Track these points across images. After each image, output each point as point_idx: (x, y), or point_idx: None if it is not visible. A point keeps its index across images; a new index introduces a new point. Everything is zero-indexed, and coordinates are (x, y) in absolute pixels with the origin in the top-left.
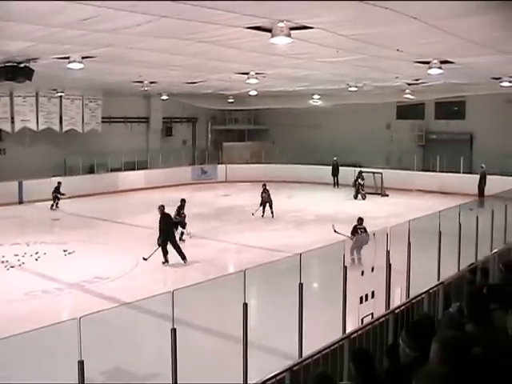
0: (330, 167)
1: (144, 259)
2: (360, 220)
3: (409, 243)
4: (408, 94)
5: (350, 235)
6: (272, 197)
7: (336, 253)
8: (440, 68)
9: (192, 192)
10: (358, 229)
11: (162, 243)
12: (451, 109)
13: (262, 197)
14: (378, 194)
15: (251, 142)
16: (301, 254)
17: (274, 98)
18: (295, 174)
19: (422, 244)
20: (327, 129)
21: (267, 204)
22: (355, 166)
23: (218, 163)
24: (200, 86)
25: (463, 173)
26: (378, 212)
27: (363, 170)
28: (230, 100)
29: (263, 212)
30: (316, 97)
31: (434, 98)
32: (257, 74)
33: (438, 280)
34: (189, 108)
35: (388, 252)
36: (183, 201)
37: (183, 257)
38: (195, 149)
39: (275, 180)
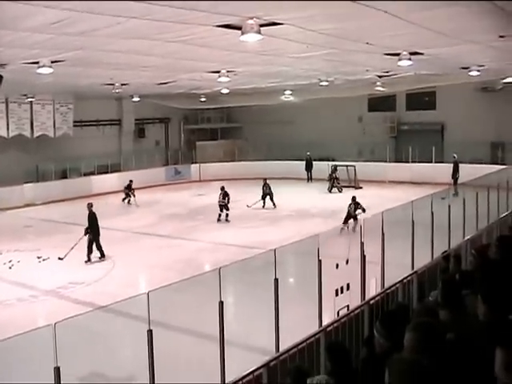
0: (304, 162)
1: (60, 259)
2: (353, 199)
3: (382, 234)
4: (379, 86)
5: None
6: (240, 196)
7: (311, 247)
8: (410, 59)
9: (166, 192)
10: (350, 206)
11: (90, 241)
12: (422, 100)
13: (263, 190)
14: (352, 186)
15: (224, 140)
16: (275, 250)
17: (246, 95)
18: (269, 170)
19: (395, 234)
20: (300, 124)
21: (267, 196)
22: (328, 160)
23: (192, 163)
24: (171, 86)
25: (435, 162)
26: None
27: (336, 163)
28: (202, 99)
29: (264, 204)
30: (288, 92)
31: (404, 90)
32: (228, 71)
33: (412, 269)
34: (161, 109)
35: (362, 244)
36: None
37: (102, 255)
38: (168, 149)
39: (249, 177)
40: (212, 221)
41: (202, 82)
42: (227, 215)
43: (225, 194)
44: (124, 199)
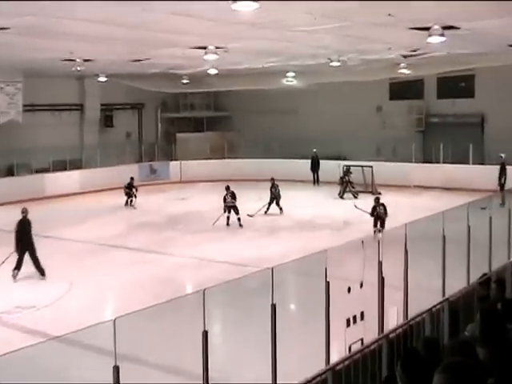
0: (309, 161)
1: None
2: (377, 199)
3: (406, 251)
4: (403, 68)
5: (369, 212)
6: (237, 200)
7: (316, 265)
8: (442, 35)
9: (139, 196)
10: (377, 206)
11: (21, 255)
12: (457, 85)
13: (271, 192)
14: (368, 192)
15: (211, 132)
16: (273, 268)
17: (239, 77)
18: (266, 170)
19: (422, 252)
20: (304, 115)
21: (274, 200)
22: (339, 159)
23: (171, 160)
24: (147, 64)
25: (473, 163)
26: (367, 215)
27: (349, 163)
28: (185, 81)
29: (268, 209)
30: (290, 75)
31: (435, 73)
32: (217, 48)
33: (443, 296)
34: (133, 92)
35: (380, 263)
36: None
37: (42, 272)
38: (142, 142)
39: (241, 178)
40: (195, 230)
41: (185, 60)
42: (239, 219)
43: (233, 194)
44: (127, 202)
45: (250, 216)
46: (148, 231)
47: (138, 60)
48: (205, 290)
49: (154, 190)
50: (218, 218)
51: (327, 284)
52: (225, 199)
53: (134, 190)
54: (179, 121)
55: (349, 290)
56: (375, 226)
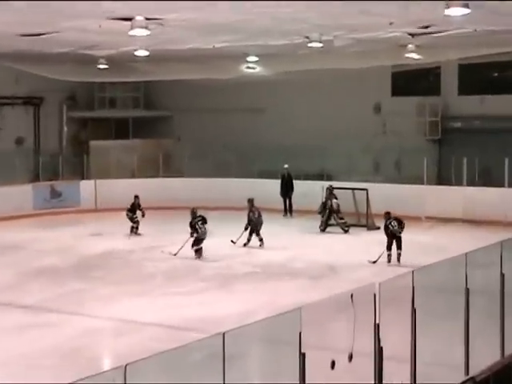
0: (279, 182)
1: None
2: (387, 214)
3: (413, 310)
4: (411, 52)
5: (386, 237)
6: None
7: (287, 329)
8: (466, 6)
9: (35, 230)
10: (390, 224)
11: None
12: (487, 76)
13: (248, 217)
14: (362, 225)
15: (140, 139)
16: (224, 334)
17: (180, 62)
18: (218, 194)
19: (436, 311)
20: (273, 115)
21: (255, 229)
22: (321, 179)
23: (82, 178)
24: (48, 40)
25: (509, 186)
26: (360, 257)
27: (335, 185)
28: (102, 66)
29: (248, 240)
30: (252, 60)
31: (456, 59)
32: (148, 19)
33: (466, 374)
34: (27, 80)
35: (377, 326)
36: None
37: None
38: (39, 153)
39: (182, 205)
40: (115, 280)
41: (102, 37)
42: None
43: (203, 220)
44: (132, 230)
45: (233, 242)
46: (48, 281)
47: (36, 34)
48: (127, 365)
49: (58, 222)
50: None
51: (302, 356)
52: (194, 227)
53: (140, 212)
54: (94, 123)
55: (332, 364)
56: (389, 248)
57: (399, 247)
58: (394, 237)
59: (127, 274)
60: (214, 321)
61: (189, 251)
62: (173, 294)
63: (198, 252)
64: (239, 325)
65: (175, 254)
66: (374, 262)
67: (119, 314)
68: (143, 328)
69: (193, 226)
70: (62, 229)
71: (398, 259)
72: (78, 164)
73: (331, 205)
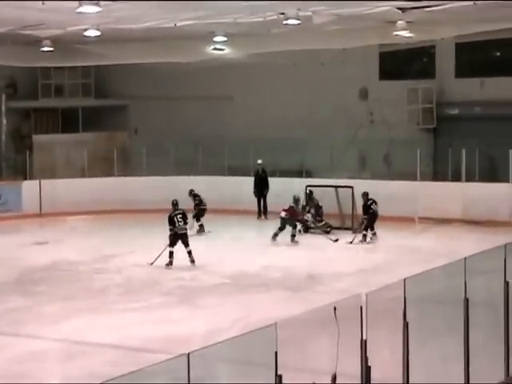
0: (252, 179)
1: None
2: (366, 195)
3: (405, 324)
4: (401, 29)
5: (363, 217)
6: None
7: (261, 348)
8: None
9: None
10: (371, 205)
11: None
12: (489, 56)
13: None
14: (347, 228)
15: (91, 132)
16: (189, 355)
17: (136, 44)
18: (181, 194)
19: (431, 324)
20: (244, 103)
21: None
22: (300, 176)
23: (24, 178)
24: None
25: None
26: (346, 264)
27: (316, 182)
28: (47, 48)
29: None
30: (219, 40)
31: (453, 36)
32: None
33: None
34: None
35: (364, 343)
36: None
37: None
38: None
39: (140, 208)
40: (63, 296)
41: (46, 14)
42: (190, 253)
43: (184, 215)
44: (200, 228)
45: (151, 264)
46: None
47: None
48: None
49: None
50: (156, 257)
51: (278, 379)
52: (172, 221)
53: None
54: (38, 114)
55: None
56: (371, 228)
57: (373, 227)
58: (375, 217)
59: (77, 288)
60: (177, 340)
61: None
62: (129, 311)
63: (171, 258)
64: (206, 344)
65: (152, 263)
66: (351, 243)
67: (68, 334)
68: (96, 350)
69: (171, 218)
70: (1, 237)
71: (375, 234)
72: (20, 162)
73: (310, 207)
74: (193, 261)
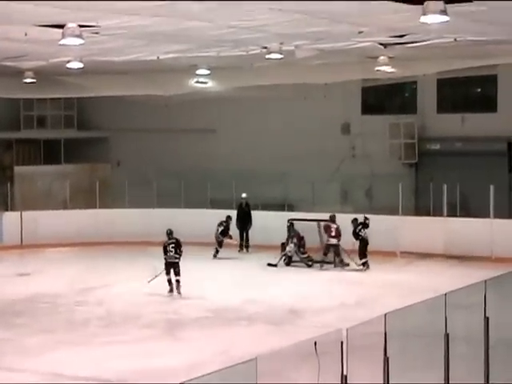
0: (235, 213)
1: None
2: (355, 221)
3: (385, 358)
4: (384, 64)
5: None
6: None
7: (240, 382)
8: (444, 12)
9: None
10: (360, 231)
11: None
12: (470, 92)
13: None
14: (328, 262)
15: (73, 164)
16: None
17: (119, 76)
18: (163, 226)
19: (411, 359)
20: (226, 136)
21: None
22: (282, 209)
23: (6, 209)
24: None
25: (495, 217)
26: (326, 299)
27: (298, 216)
28: (29, 80)
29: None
30: (202, 73)
31: (434, 73)
32: (82, 26)
33: None
34: None
35: (345, 378)
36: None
37: None
38: None
39: (122, 240)
40: (43, 328)
41: (29, 45)
42: (178, 282)
43: (178, 243)
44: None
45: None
46: None
47: None
48: None
49: None
50: (154, 276)
51: None
52: (165, 250)
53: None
54: (20, 145)
55: None
56: (363, 256)
57: (366, 255)
58: (366, 243)
59: (57, 320)
60: (158, 374)
61: (133, 293)
62: (110, 344)
63: (170, 285)
64: (187, 378)
65: (149, 282)
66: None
67: (48, 367)
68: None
69: (164, 247)
70: None
71: (368, 266)
72: (1, 193)
73: (291, 239)
74: (179, 292)
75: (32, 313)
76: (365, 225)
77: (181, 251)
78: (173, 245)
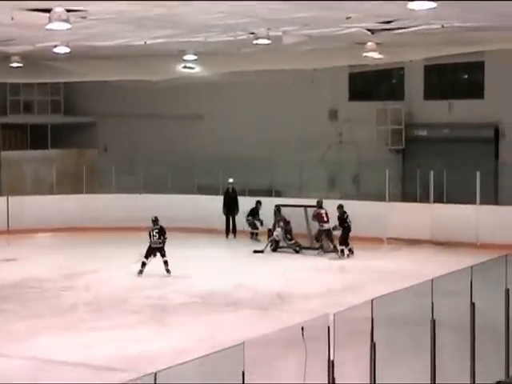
0: (221, 198)
1: None
2: (341, 208)
3: (372, 344)
4: (371, 50)
5: (337, 227)
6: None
7: (228, 368)
8: None
9: None
10: (346, 218)
11: None
12: (457, 79)
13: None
14: (316, 248)
15: (60, 149)
16: (156, 375)
17: (106, 61)
18: (150, 212)
19: (398, 345)
20: (213, 122)
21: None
22: (270, 195)
23: None
24: None
25: (481, 203)
26: (313, 285)
27: (285, 202)
28: (16, 64)
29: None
30: (189, 58)
31: (421, 59)
32: (69, 11)
33: None
34: None
35: (332, 363)
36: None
37: None
38: None
39: (109, 226)
40: (30, 313)
41: (16, 30)
42: (166, 263)
43: (161, 230)
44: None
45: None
46: None
47: None
48: None
49: None
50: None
51: None
52: (150, 235)
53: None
54: (6, 130)
55: None
56: (345, 243)
57: (348, 243)
58: (349, 231)
59: (44, 305)
60: (144, 359)
61: (120, 279)
62: (97, 329)
63: (143, 267)
64: (174, 363)
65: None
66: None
67: (35, 352)
68: (63, 369)
69: (149, 233)
70: None
71: (352, 252)
72: None
73: (279, 224)
74: (168, 270)
75: (19, 298)
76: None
77: (165, 238)
78: (157, 230)
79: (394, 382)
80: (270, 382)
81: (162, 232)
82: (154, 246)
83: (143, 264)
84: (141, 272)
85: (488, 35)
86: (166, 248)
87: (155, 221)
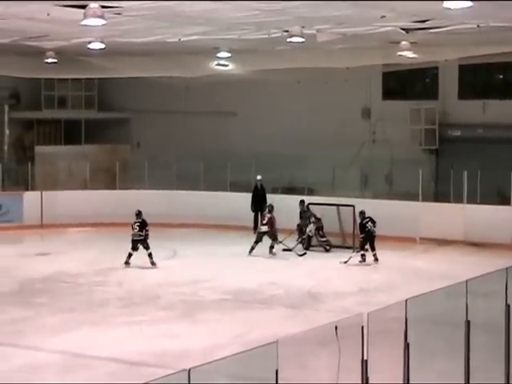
0: (250, 195)
1: None
2: (362, 214)
3: (406, 345)
4: (405, 50)
5: (360, 236)
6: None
7: (261, 367)
8: None
9: None
10: (366, 223)
11: None
12: (491, 78)
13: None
14: (348, 247)
15: (94, 145)
16: (190, 371)
17: (141, 58)
18: (182, 208)
19: (431, 346)
20: (246, 119)
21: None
22: (301, 193)
23: (26, 189)
24: None
25: None
26: (347, 283)
27: (317, 200)
28: (51, 60)
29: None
30: (223, 56)
31: (456, 58)
32: (104, 7)
33: None
34: None
35: (365, 362)
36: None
37: None
38: None
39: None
40: (63, 308)
41: (51, 26)
42: (151, 256)
43: (143, 223)
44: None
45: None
46: None
47: None
48: None
49: None
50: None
51: None
52: (132, 228)
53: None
54: (41, 125)
55: None
56: (364, 248)
57: (374, 248)
58: (370, 237)
59: (77, 300)
60: (176, 355)
61: (152, 274)
62: (129, 324)
63: (129, 258)
64: (205, 360)
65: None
66: (346, 263)
67: (67, 346)
68: (95, 363)
69: (132, 226)
70: (1, 247)
71: (376, 259)
72: (22, 173)
73: (311, 220)
74: (152, 263)
75: (52, 292)
76: (373, 221)
77: (146, 230)
78: (138, 223)
79: (427, 382)
80: (304, 381)
81: (143, 225)
82: (134, 238)
83: (130, 255)
84: (126, 263)
85: None
86: (195, 245)
87: (138, 214)
